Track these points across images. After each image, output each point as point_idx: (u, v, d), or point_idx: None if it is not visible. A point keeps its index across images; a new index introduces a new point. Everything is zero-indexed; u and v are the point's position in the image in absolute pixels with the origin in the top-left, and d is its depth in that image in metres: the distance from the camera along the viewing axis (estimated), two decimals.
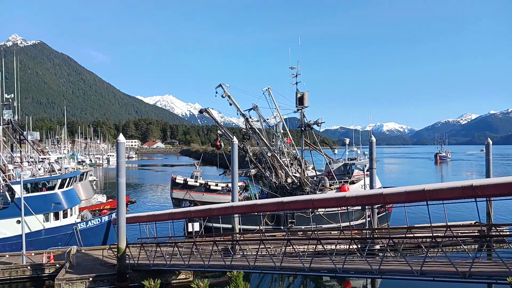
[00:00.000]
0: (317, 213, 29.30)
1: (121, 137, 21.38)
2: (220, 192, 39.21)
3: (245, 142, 38.83)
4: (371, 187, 27.64)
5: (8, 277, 22.43)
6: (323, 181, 34.20)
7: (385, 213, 34.04)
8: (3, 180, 29.02)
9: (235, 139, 30.96)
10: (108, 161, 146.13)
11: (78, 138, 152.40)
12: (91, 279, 20.43)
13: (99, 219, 28.71)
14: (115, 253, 21.47)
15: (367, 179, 30.98)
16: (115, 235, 25.49)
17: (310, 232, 23.60)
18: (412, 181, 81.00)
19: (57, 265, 22.89)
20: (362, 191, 27.82)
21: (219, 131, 39.51)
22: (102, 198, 40.19)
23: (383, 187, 26.85)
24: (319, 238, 17.11)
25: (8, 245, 25.33)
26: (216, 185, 39.68)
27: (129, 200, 32.38)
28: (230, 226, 25.34)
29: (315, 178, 37.65)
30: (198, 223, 25.06)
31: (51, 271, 22.83)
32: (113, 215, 28.48)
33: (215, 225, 23.24)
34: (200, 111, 39.67)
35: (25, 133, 39.46)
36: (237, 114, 38.21)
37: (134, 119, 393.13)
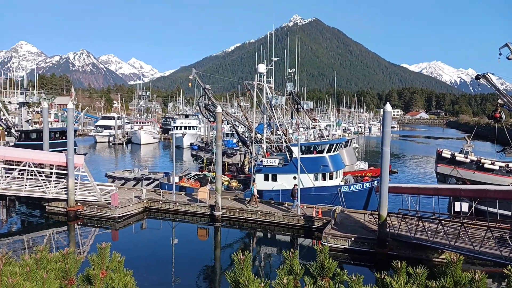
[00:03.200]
0: None
1: (388, 106, 21.23)
2: (496, 173, 33.75)
3: None
4: None
5: (287, 222, 26.95)
6: None
7: None
8: (285, 142, 34.46)
9: None
10: (370, 130, 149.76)
11: (343, 107, 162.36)
12: (353, 239, 21.90)
13: (361, 185, 30.03)
14: (376, 219, 22.09)
15: None
16: (376, 202, 26.18)
17: None
18: None
19: (324, 220, 25.69)
20: None
21: (499, 101, 33.54)
22: (364, 165, 41.87)
23: None
24: None
25: (286, 196, 30.13)
26: (492, 163, 34.31)
27: (391, 170, 32.32)
28: (509, 213, 21.51)
29: None
30: (467, 204, 22.44)
31: (319, 224, 25.89)
32: (375, 183, 29.17)
33: (490, 209, 20.22)
34: (476, 77, 34.59)
35: (302, 102, 45.11)
36: None
37: (397, 88, 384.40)
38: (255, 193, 28.82)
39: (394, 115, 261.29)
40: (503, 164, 34.24)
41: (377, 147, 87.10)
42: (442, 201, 29.27)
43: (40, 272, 3.64)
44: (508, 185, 28.91)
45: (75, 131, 35.07)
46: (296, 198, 27.39)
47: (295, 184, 28.19)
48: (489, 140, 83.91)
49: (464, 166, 34.75)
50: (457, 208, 22.16)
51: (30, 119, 59.27)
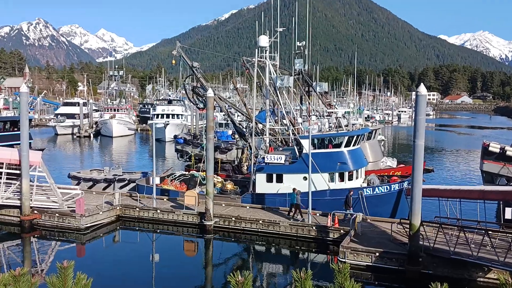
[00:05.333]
0: None
1: (422, 88, 21.06)
2: None
3: None
4: None
5: (295, 233, 26.99)
6: None
7: None
8: (293, 133, 34.39)
9: None
10: (399, 118, 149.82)
11: (365, 89, 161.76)
12: (377, 254, 21.95)
13: (388, 187, 30.02)
14: (406, 229, 22.13)
15: None
16: (406, 208, 26.21)
17: None
18: None
19: (342, 231, 25.72)
20: None
21: None
22: (392, 162, 41.81)
23: None
24: None
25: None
26: None
27: (425, 168, 32.40)
28: None
29: None
30: None
31: (335, 236, 25.92)
32: (405, 184, 29.18)
33: None
34: None
35: (314, 84, 44.97)
36: None
37: (433, 66, 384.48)
38: (299, 201, 27.20)
39: (429, 99, 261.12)
40: None
41: (408, 140, 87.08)
42: (490, 207, 29.35)
43: None
44: None
45: (30, 120, 35.06)
46: (351, 207, 26.75)
47: (350, 190, 27.78)
48: None
49: None
50: (507, 216, 22.22)
51: None
